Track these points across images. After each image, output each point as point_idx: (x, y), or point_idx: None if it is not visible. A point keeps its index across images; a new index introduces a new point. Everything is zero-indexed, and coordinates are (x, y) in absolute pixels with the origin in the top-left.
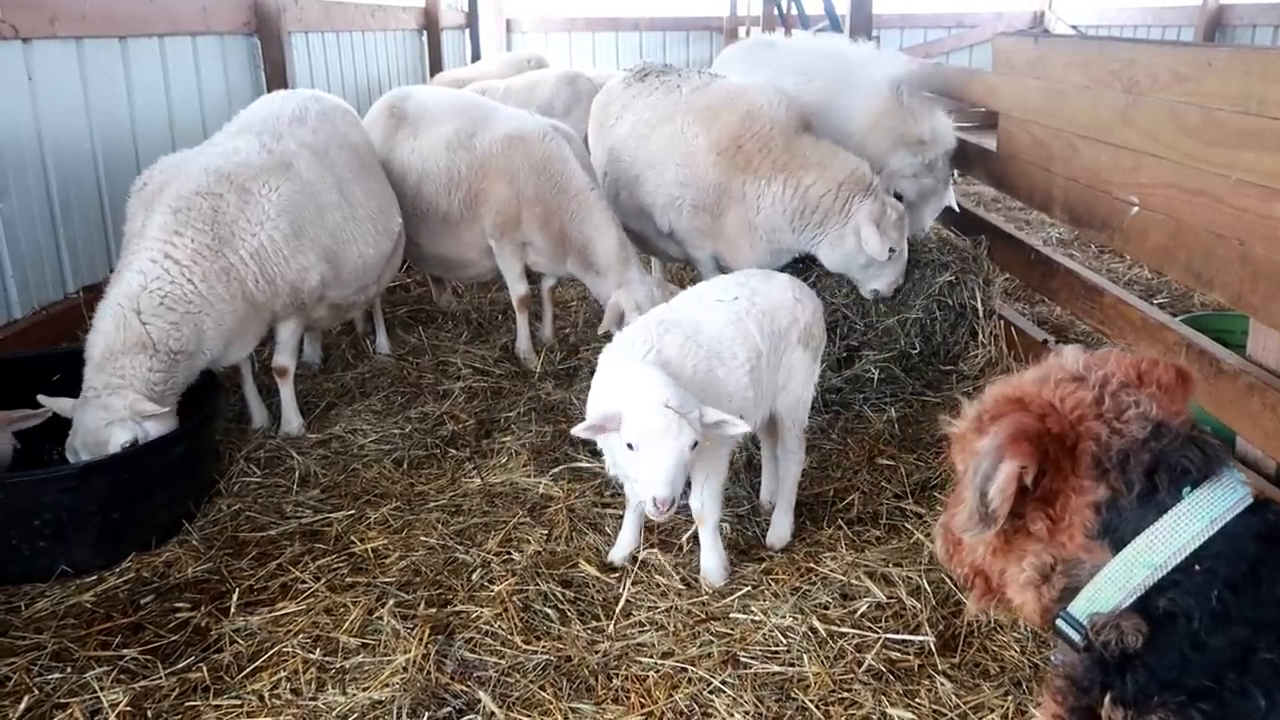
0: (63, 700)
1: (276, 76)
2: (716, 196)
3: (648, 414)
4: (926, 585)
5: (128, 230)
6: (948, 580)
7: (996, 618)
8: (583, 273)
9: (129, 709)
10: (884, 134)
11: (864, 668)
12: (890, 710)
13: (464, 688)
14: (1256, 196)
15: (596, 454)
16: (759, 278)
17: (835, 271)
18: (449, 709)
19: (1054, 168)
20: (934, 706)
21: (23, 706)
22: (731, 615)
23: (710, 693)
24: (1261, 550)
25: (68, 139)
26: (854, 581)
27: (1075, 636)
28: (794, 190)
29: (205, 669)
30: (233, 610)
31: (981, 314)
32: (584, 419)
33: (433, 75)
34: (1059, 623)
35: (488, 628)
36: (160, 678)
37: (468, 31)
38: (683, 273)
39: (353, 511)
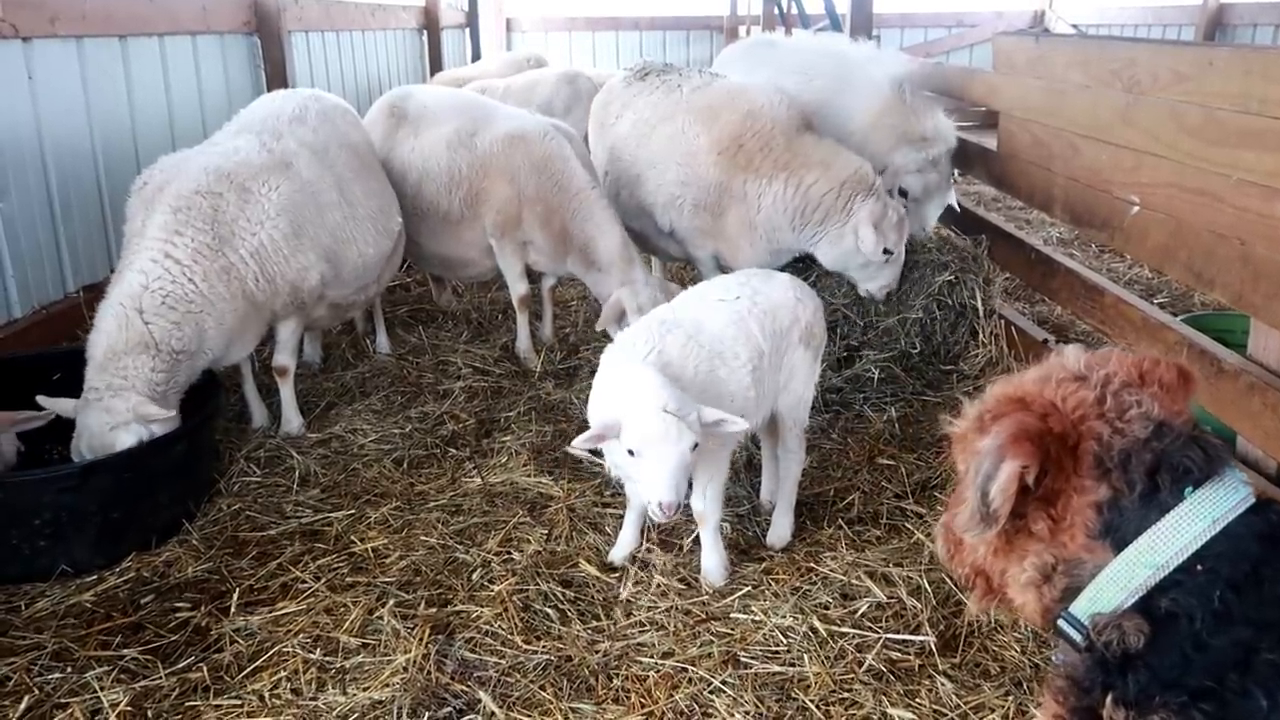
0: (63, 700)
1: (276, 76)
2: (717, 196)
3: (646, 419)
4: (927, 585)
5: (128, 230)
6: (948, 580)
7: (997, 618)
8: (584, 272)
9: (129, 709)
10: (886, 132)
11: (864, 668)
12: (891, 710)
13: (464, 688)
14: (1257, 196)
15: (597, 453)
16: (760, 277)
17: (833, 270)
18: (449, 709)
19: (1054, 167)
20: (934, 706)
21: (23, 706)
22: (732, 615)
23: (710, 693)
24: (1264, 550)
25: (68, 138)
26: (854, 581)
27: (1077, 637)
28: (795, 188)
29: (205, 669)
30: (233, 610)
31: (982, 313)
32: (584, 418)
33: (433, 75)
34: (1060, 623)
35: (488, 627)
36: (160, 677)
37: (468, 31)
38: (683, 272)
39: (353, 511)
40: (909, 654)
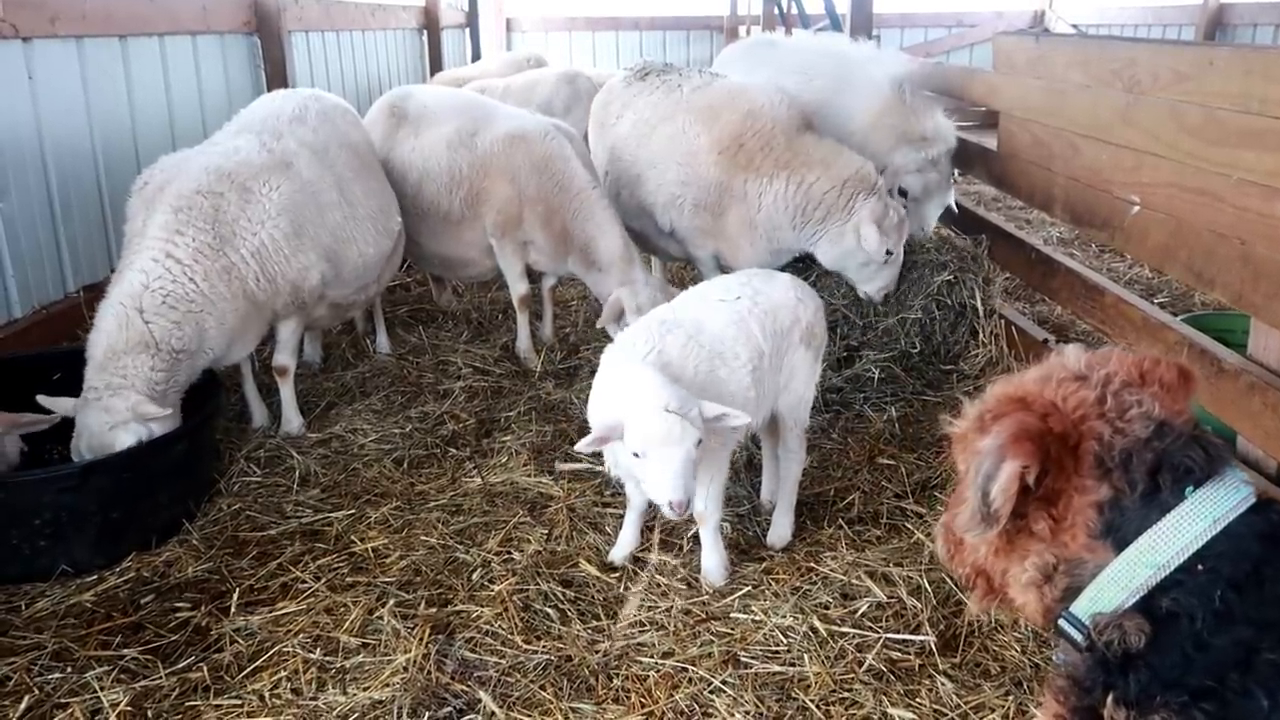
0: (63, 700)
1: (276, 76)
2: (718, 195)
3: (650, 421)
4: (927, 585)
5: (128, 229)
6: (948, 580)
7: (997, 617)
8: (584, 272)
9: (129, 709)
10: (886, 132)
11: (865, 667)
12: (891, 710)
13: (464, 687)
14: (1258, 196)
15: (597, 453)
16: (761, 277)
17: (831, 269)
18: (449, 709)
19: (1055, 167)
20: (935, 706)
21: (23, 706)
22: (732, 615)
23: (711, 692)
24: (1265, 550)
25: (68, 138)
26: (854, 581)
27: (1077, 636)
28: (796, 187)
29: (205, 669)
30: (233, 610)
31: (982, 313)
32: (584, 418)
33: (433, 74)
34: (1061, 623)
35: (488, 627)
36: (160, 677)
37: (468, 31)
38: (683, 272)
39: (353, 511)
40: (909, 654)
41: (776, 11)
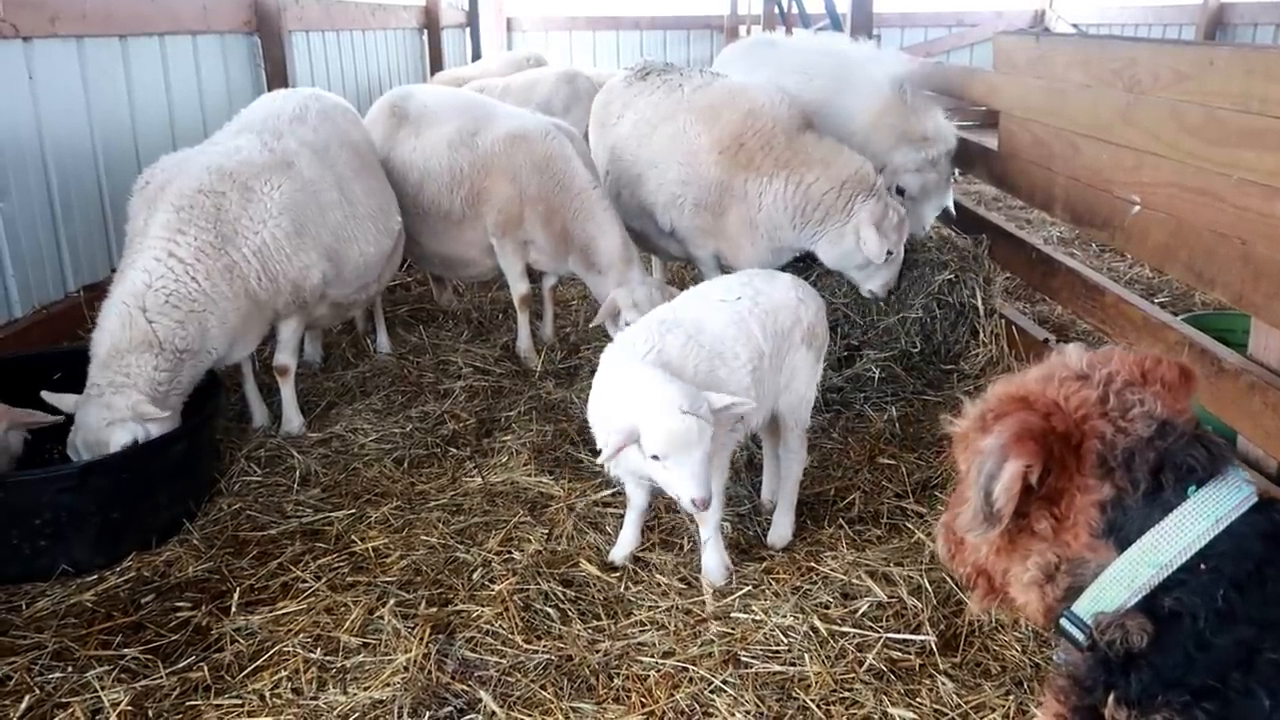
0: (64, 700)
1: (277, 75)
2: (718, 195)
3: (667, 425)
4: (928, 585)
5: (130, 229)
6: (949, 580)
7: (998, 617)
8: (584, 271)
9: (130, 708)
10: (886, 131)
11: (865, 667)
12: (891, 710)
13: (465, 687)
14: (1258, 195)
15: (597, 453)
16: (762, 278)
17: (833, 269)
18: (450, 708)
19: (1055, 166)
20: (935, 706)
21: (24, 706)
22: (732, 615)
23: (711, 692)
24: (1267, 549)
25: (68, 138)
26: (855, 581)
27: (1079, 636)
28: (796, 187)
29: (206, 668)
30: (233, 609)
31: (982, 313)
32: (585, 418)
33: (433, 74)
34: (1063, 622)
35: (488, 627)
36: (161, 677)
37: (468, 30)
38: (683, 272)
39: (353, 511)
40: (910, 653)
41: (777, 11)
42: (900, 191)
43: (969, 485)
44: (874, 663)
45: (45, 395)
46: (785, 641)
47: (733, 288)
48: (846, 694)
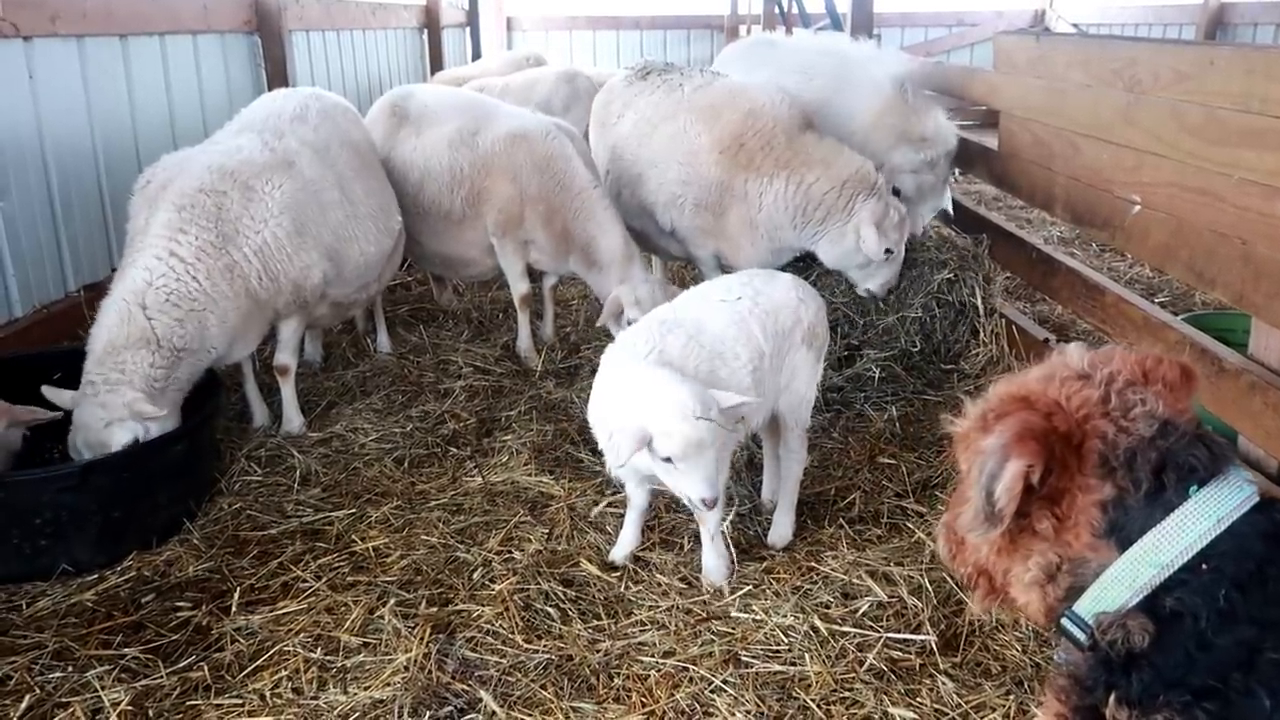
0: (64, 699)
1: (277, 75)
2: (719, 195)
3: (682, 430)
4: (928, 584)
5: (131, 228)
6: (949, 579)
7: (998, 617)
8: (585, 271)
9: (130, 708)
10: (886, 131)
11: (865, 667)
12: (892, 710)
13: (465, 687)
14: (1258, 195)
15: (597, 453)
16: (762, 278)
17: (833, 269)
18: (450, 708)
19: (1055, 166)
20: (935, 706)
21: (24, 705)
22: (733, 614)
23: (711, 692)
24: (1269, 549)
25: (69, 137)
26: (855, 581)
27: (1080, 636)
28: (797, 187)
29: (206, 668)
30: (234, 609)
31: (982, 312)
32: (585, 418)
33: (433, 74)
34: (1064, 622)
35: (489, 627)
36: (161, 677)
37: (468, 30)
38: (684, 271)
39: (354, 510)
40: (910, 653)
41: (777, 11)
42: (896, 192)
43: (970, 485)
44: (874, 662)
45: (44, 389)
46: (785, 641)
47: (733, 288)
48: (847, 694)
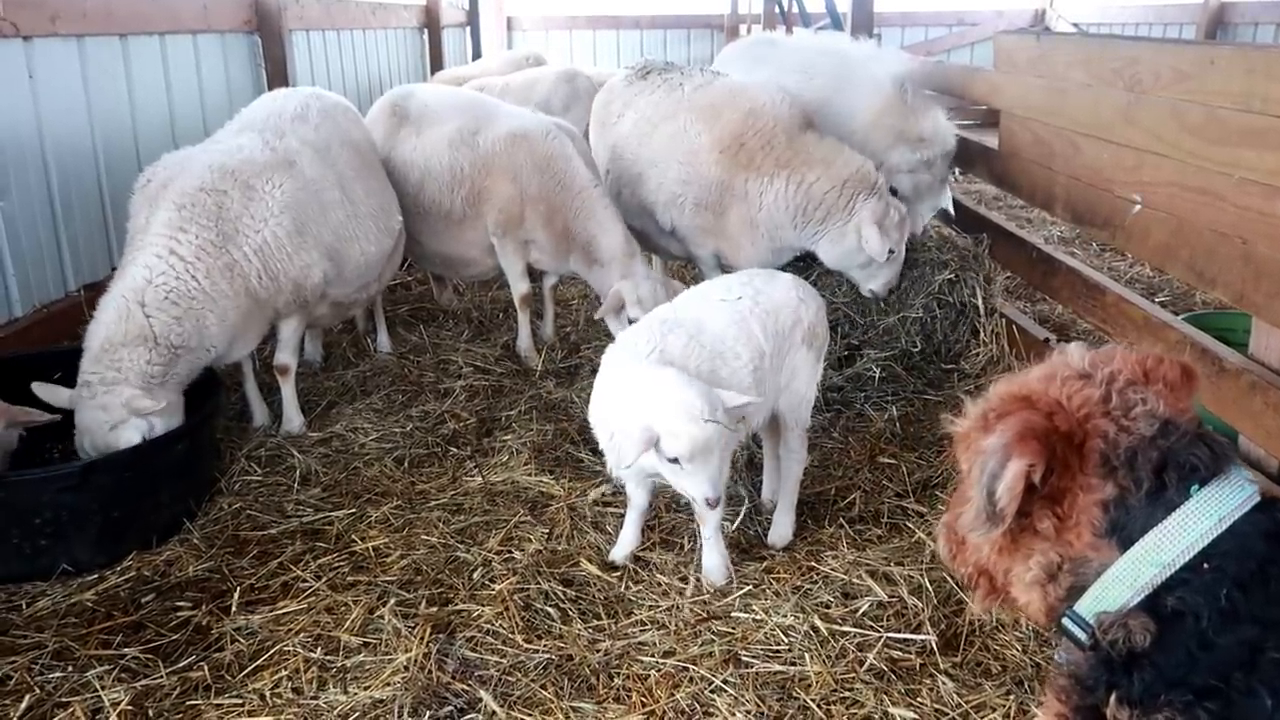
0: (64, 699)
1: (277, 74)
2: (719, 194)
3: (689, 431)
4: (928, 584)
5: (131, 226)
6: (949, 579)
7: (999, 617)
8: (586, 270)
9: (130, 708)
10: (885, 131)
11: (865, 667)
12: (892, 709)
13: (465, 687)
14: (1259, 195)
15: (597, 452)
16: (762, 277)
17: (833, 269)
18: (450, 708)
19: (1056, 166)
20: (936, 706)
21: (24, 705)
22: (733, 614)
23: (712, 692)
24: (1270, 549)
25: (69, 137)
26: (855, 580)
27: (1081, 635)
28: (797, 187)
29: (206, 668)
30: (234, 609)
31: (982, 312)
32: (585, 417)
33: (433, 73)
34: (1065, 621)
35: (489, 626)
36: (161, 676)
37: (469, 29)
38: (684, 271)
39: (354, 510)
40: (910, 653)
41: (777, 10)
42: (893, 191)
43: (971, 485)
44: (874, 662)
45: (36, 387)
46: (786, 641)
47: (733, 287)
48: (847, 694)
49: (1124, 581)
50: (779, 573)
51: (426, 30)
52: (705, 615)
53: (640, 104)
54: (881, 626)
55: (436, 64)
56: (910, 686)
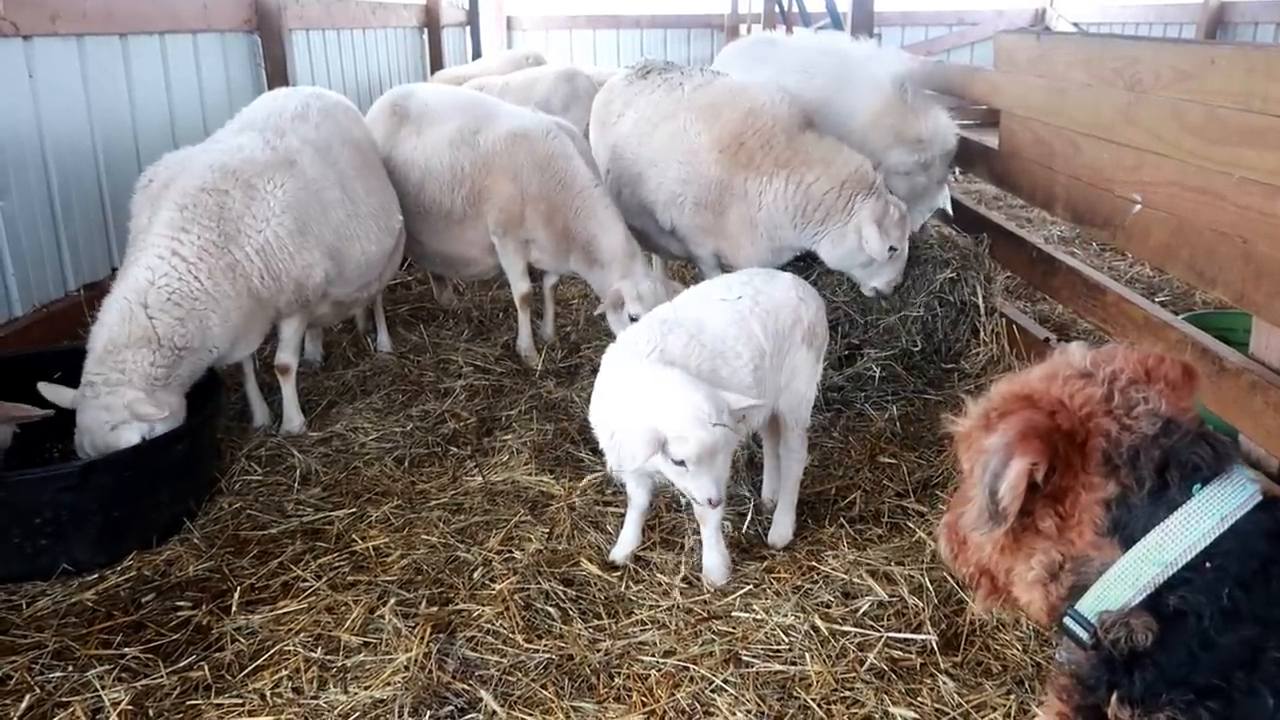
0: (64, 699)
1: (277, 74)
2: (718, 194)
3: (697, 435)
4: (928, 584)
5: (133, 227)
6: (950, 579)
7: (999, 616)
8: (586, 269)
9: (130, 708)
10: (884, 131)
11: (866, 666)
12: (892, 709)
13: (465, 686)
14: (1259, 194)
15: (598, 452)
16: (762, 277)
17: (835, 269)
18: (450, 708)
19: (1056, 165)
20: (936, 705)
21: (24, 705)
22: (733, 614)
23: (712, 691)
24: (1272, 548)
25: (69, 136)
26: (856, 580)
27: (1083, 635)
28: (796, 187)
29: (206, 667)
30: (234, 609)
31: (983, 311)
32: (585, 417)
33: (433, 73)
34: (1066, 621)
35: (489, 626)
36: (161, 676)
37: (468, 29)
38: (684, 270)
39: (354, 510)
40: (910, 653)
41: (777, 9)
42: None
43: (973, 484)
44: (875, 662)
45: (42, 387)
46: (786, 641)
47: (733, 287)
48: (847, 693)
49: (1126, 580)
50: (779, 572)
51: (426, 30)
52: (706, 615)
53: (640, 103)
54: (882, 626)
55: (436, 63)
56: (911, 686)
